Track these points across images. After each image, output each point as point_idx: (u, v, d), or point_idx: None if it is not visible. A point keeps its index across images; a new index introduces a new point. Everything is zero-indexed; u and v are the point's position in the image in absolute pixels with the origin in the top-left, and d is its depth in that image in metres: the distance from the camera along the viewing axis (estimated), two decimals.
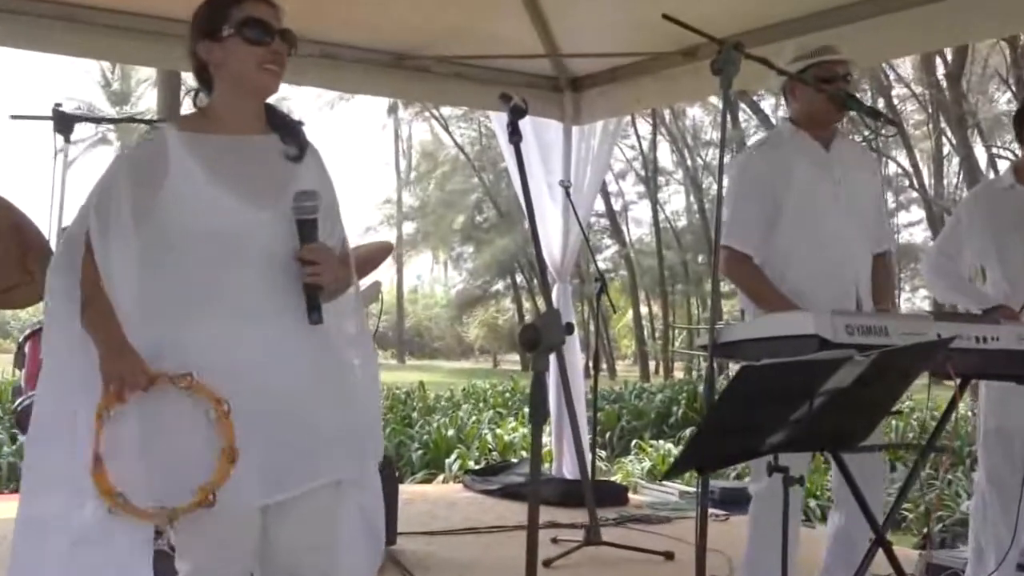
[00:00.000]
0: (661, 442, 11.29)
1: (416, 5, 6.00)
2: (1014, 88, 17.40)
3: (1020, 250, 4.23)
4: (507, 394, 16.14)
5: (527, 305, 39.26)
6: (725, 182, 3.67)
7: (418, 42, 6.50)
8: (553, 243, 7.12)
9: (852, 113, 3.89)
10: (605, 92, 7.08)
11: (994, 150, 21.67)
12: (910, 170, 23.68)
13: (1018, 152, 4.41)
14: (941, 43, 8.05)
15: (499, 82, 6.74)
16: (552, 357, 2.27)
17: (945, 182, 25.63)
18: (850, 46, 4.08)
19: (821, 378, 2.29)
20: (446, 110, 33.88)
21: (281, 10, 2.64)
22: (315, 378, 2.54)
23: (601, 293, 5.86)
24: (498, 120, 7.35)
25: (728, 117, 3.04)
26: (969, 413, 10.12)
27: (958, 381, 3.11)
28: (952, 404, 3.27)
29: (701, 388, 14.72)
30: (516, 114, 2.48)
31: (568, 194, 6.44)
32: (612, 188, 34.80)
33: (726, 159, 3.88)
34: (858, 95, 3.98)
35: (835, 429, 2.51)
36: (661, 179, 35.40)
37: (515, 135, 2.53)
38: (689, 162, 33.21)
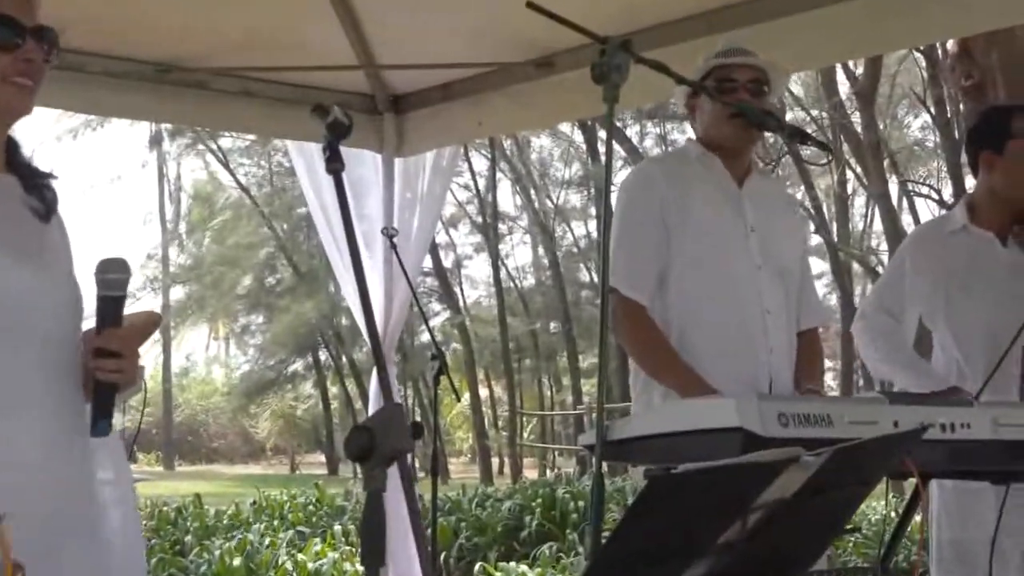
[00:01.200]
0: (512, 564, 11.12)
1: (188, 1, 5.80)
2: (932, 111, 18.04)
3: (977, 310, 4.25)
4: (311, 507, 15.78)
5: (334, 390, 38.95)
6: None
7: (190, 50, 6.27)
8: (373, 309, 6.94)
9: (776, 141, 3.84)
10: (437, 114, 6.98)
11: (910, 186, 22.50)
12: (810, 210, 24.44)
13: (942, 190, 4.48)
14: (881, 46, 8.18)
15: (298, 101, 6.59)
16: None
17: (850, 226, 26.53)
18: (770, 50, 4.06)
19: (758, 487, 2.17)
20: (226, 142, 33.59)
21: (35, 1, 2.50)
22: (69, 506, 2.43)
23: (440, 374, 5.70)
24: (298, 151, 7.17)
25: (612, 140, 2.90)
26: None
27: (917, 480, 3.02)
28: (908, 511, 3.21)
29: (560, 492, 14.68)
30: (336, 132, 2.32)
31: (393, 245, 6.27)
32: (441, 239, 34.95)
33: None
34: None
35: (775, 554, 2.40)
36: (502, 227, 35.74)
37: (335, 161, 2.40)
38: (537, 205, 33.57)
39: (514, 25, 5.73)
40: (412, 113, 7.10)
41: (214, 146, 34.34)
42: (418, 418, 29.74)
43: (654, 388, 3.88)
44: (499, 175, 33.32)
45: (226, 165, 35.65)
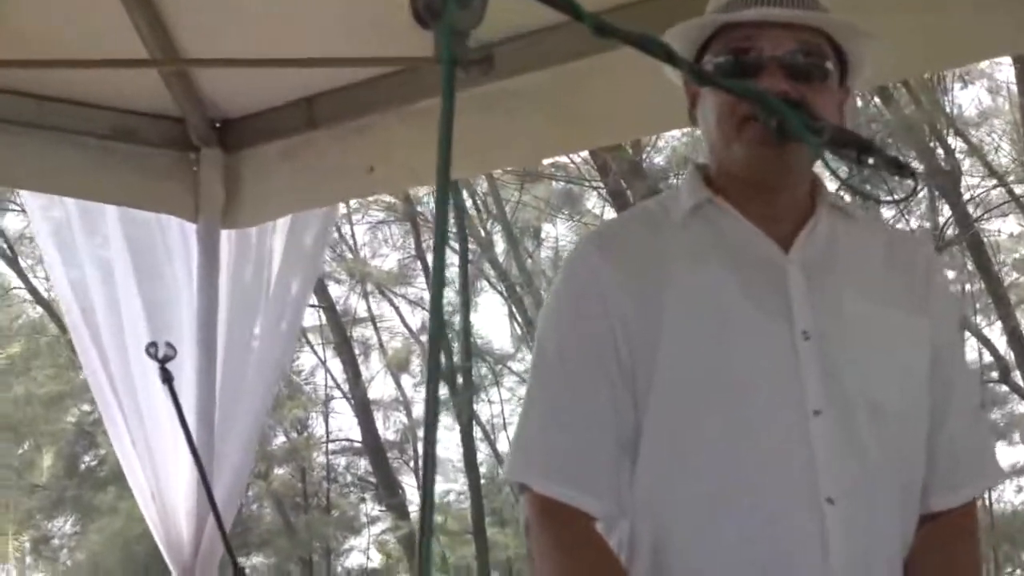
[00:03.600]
0: None
1: None
2: None
3: None
4: None
5: None
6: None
7: None
8: (175, 502, 6.92)
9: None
10: (294, 152, 6.97)
11: None
12: (1002, 349, 24.22)
13: None
14: None
15: (41, 126, 6.52)
16: None
17: None
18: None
19: None
20: (14, 221, 33.57)
21: None
22: None
23: None
24: (41, 212, 7.06)
25: (449, 130, 2.53)
26: None
27: None
28: None
29: None
30: None
31: (167, 378, 6.04)
32: (382, 392, 34.80)
33: None
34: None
35: None
36: (483, 371, 35.61)
37: None
38: None
39: None
40: (250, 151, 7.06)
41: None
42: None
43: None
44: (481, 283, 33.32)
45: (13, 261, 35.45)
